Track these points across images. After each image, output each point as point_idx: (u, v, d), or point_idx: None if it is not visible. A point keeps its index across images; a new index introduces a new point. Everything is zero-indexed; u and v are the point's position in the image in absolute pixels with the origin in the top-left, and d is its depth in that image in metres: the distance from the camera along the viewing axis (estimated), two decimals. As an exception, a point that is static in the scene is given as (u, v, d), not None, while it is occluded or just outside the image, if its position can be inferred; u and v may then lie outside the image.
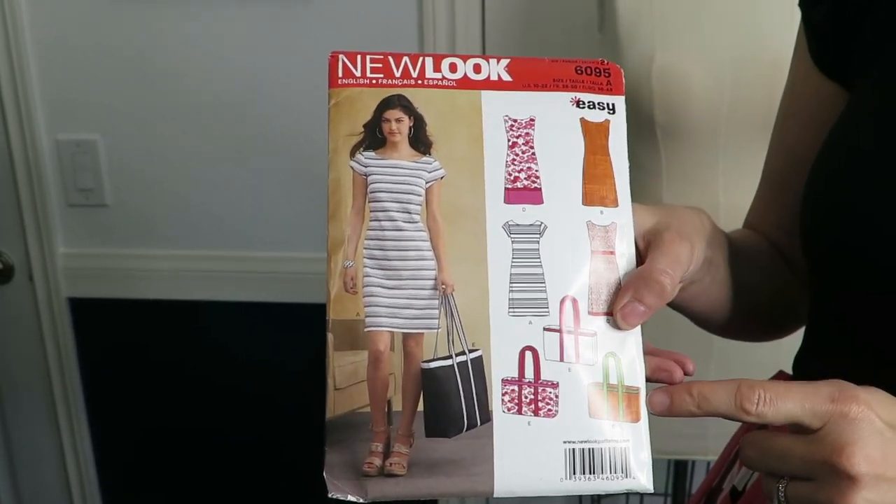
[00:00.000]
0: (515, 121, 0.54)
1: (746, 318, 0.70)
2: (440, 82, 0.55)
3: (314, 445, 1.78)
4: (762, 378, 0.74)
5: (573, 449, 0.50)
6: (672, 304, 0.60)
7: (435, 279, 0.52)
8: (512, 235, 0.52)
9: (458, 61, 0.55)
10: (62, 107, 1.73)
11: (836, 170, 0.59)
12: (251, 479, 1.99)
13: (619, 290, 0.53)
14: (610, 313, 0.52)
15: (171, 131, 1.73)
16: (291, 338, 1.84)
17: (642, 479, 0.51)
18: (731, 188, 1.17)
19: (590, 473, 0.50)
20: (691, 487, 1.55)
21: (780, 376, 0.73)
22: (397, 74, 0.55)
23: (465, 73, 0.55)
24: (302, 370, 1.83)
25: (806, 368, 0.68)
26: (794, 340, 0.74)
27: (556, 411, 0.51)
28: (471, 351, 0.51)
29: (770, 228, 0.74)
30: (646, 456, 0.51)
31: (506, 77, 0.55)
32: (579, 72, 0.56)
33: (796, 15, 0.70)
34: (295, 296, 1.78)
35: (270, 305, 1.81)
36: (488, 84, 0.55)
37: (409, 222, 0.52)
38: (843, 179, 0.58)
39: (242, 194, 1.76)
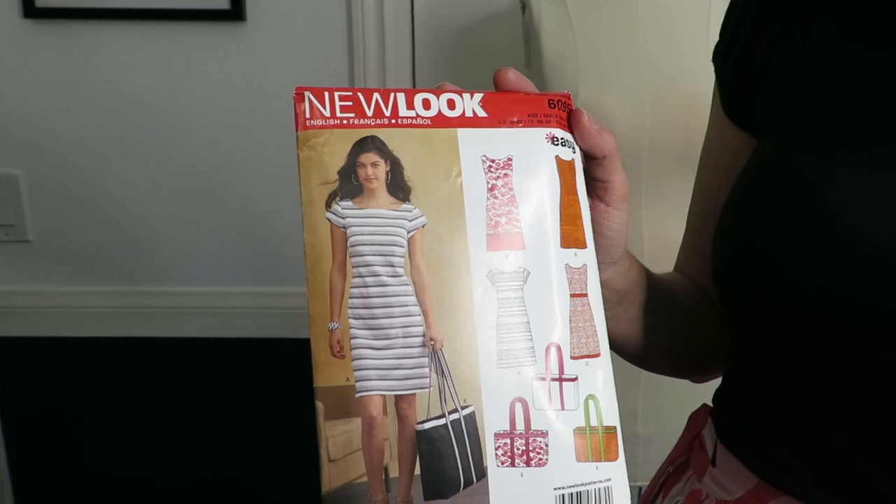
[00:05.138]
0: (493, 161, 0.52)
1: (660, 357, 0.73)
2: (414, 121, 0.51)
3: (250, 481, 1.63)
4: (689, 408, 0.78)
5: (563, 495, 0.51)
6: None
7: (423, 335, 0.49)
8: (497, 284, 0.51)
9: (432, 97, 0.52)
10: (-20, 141, 1.59)
11: (749, 201, 0.62)
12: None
13: (594, 332, 0.53)
14: (589, 356, 0.53)
15: (95, 165, 1.63)
16: (224, 373, 1.78)
17: None
18: (655, 221, 1.21)
19: None
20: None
21: (703, 410, 0.77)
22: (369, 114, 0.50)
23: (440, 110, 0.52)
24: (238, 405, 1.80)
25: (726, 403, 0.72)
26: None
27: (547, 460, 0.51)
28: (463, 408, 0.50)
29: (695, 273, 0.76)
30: (626, 491, 0.53)
31: (481, 113, 0.53)
32: (552, 105, 0.54)
33: (710, 54, 0.73)
34: (227, 330, 1.73)
35: (202, 341, 1.74)
36: (464, 121, 0.52)
37: (394, 276, 0.49)
38: (754, 206, 0.61)
39: (170, 228, 1.68)
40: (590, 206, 0.57)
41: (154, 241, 1.70)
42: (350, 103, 0.50)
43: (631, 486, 1.43)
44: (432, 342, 0.50)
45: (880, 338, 0.54)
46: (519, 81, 0.54)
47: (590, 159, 0.56)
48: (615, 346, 0.69)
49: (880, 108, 0.58)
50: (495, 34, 1.58)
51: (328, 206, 0.49)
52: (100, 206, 1.68)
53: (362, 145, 0.50)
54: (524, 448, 0.51)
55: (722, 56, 0.72)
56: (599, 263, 0.60)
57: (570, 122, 0.55)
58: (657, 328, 0.70)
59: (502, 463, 0.50)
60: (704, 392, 0.79)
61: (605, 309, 0.64)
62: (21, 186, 1.65)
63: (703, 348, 0.76)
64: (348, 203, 0.49)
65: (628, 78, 1.19)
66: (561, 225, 0.53)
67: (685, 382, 0.83)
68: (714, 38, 0.74)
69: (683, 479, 0.74)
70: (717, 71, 0.73)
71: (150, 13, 1.55)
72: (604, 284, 0.62)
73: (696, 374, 0.80)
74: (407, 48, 1.59)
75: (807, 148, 0.60)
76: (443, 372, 0.50)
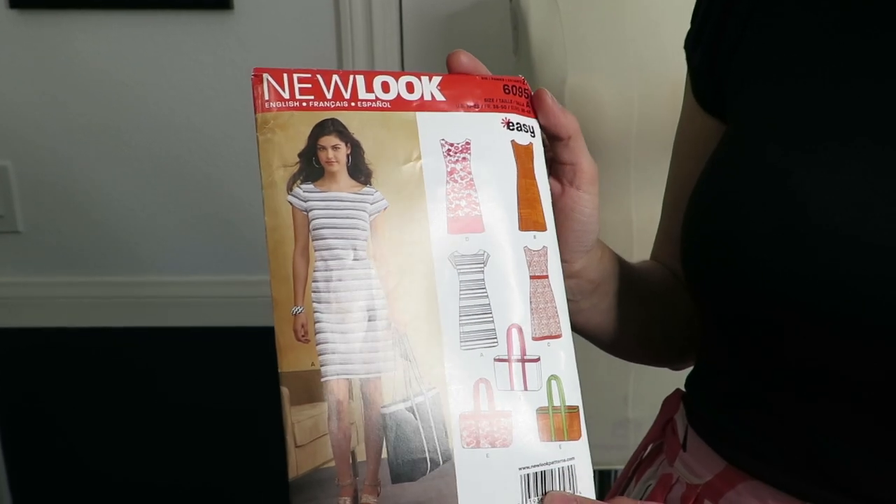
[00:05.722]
0: (452, 145, 0.52)
1: (632, 346, 0.73)
2: (374, 104, 0.51)
3: (236, 474, 1.64)
4: (666, 388, 0.78)
5: (527, 474, 0.51)
6: None
7: (387, 319, 0.50)
8: (458, 267, 0.51)
9: (391, 79, 0.52)
10: (-32, 133, 1.60)
11: (717, 192, 0.62)
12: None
13: (555, 313, 0.53)
14: (550, 337, 0.53)
15: (84, 155, 1.63)
16: (215, 362, 1.78)
17: (587, 492, 0.53)
18: (643, 204, 1.21)
19: (542, 494, 0.52)
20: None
21: (675, 394, 0.77)
22: (329, 96, 0.50)
23: (399, 93, 0.52)
24: (224, 395, 1.81)
25: (697, 387, 0.72)
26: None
27: (511, 440, 0.51)
28: (428, 390, 0.50)
29: (670, 259, 0.76)
30: (589, 469, 0.53)
31: (439, 97, 0.53)
32: (507, 90, 0.54)
33: None
34: (219, 319, 1.74)
35: (193, 330, 1.75)
36: (423, 105, 0.52)
37: (357, 260, 0.50)
38: (724, 201, 0.61)
39: (160, 218, 1.68)
40: (561, 192, 0.57)
41: (144, 231, 1.70)
42: (309, 85, 0.50)
43: (621, 470, 1.40)
44: (396, 325, 0.50)
45: (845, 324, 0.54)
46: (472, 64, 0.54)
47: (555, 142, 0.56)
48: (589, 336, 0.70)
49: (845, 97, 0.58)
50: (483, 21, 1.57)
51: (289, 189, 0.49)
52: (90, 197, 1.68)
53: (322, 128, 0.50)
54: (489, 429, 0.51)
55: (693, 42, 0.72)
56: (573, 252, 0.60)
57: (533, 101, 0.55)
58: (631, 317, 0.70)
59: (468, 444, 0.50)
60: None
61: (581, 300, 0.64)
62: (10, 178, 1.65)
63: (677, 336, 0.76)
64: (310, 186, 0.49)
65: (616, 64, 1.19)
66: (519, 208, 0.53)
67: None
68: None
69: (656, 464, 0.75)
70: (688, 58, 0.73)
71: (137, 2, 1.55)
72: (578, 274, 0.62)
73: (671, 361, 0.80)
74: (395, 36, 1.59)
75: (774, 134, 0.60)
76: (407, 354, 0.50)
